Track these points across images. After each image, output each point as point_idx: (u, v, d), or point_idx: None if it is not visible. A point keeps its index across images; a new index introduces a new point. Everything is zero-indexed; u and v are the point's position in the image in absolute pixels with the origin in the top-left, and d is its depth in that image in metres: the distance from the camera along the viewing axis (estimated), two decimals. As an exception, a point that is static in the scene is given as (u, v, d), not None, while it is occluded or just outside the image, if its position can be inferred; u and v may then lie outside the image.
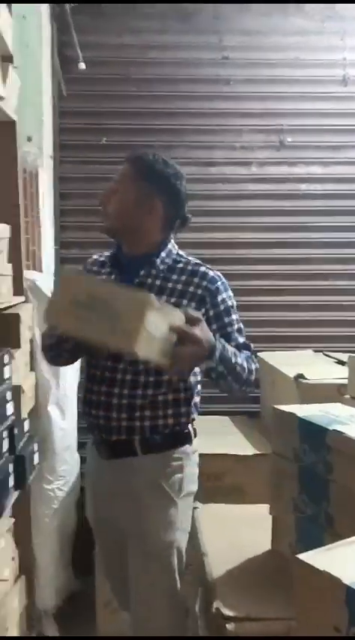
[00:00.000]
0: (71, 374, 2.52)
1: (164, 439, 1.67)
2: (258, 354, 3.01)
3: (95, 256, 1.86)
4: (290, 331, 3.28)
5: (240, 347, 1.66)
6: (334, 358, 2.90)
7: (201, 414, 3.11)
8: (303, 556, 1.04)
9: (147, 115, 3.19)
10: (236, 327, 1.69)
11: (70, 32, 3.03)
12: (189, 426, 1.73)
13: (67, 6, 3.00)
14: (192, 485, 1.75)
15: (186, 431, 1.72)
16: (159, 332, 1.36)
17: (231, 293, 1.73)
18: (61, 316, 1.44)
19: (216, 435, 2.84)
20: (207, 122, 3.23)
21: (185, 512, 1.72)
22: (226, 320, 1.67)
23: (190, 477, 1.74)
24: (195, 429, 1.76)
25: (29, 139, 2.78)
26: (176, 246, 1.77)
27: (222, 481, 2.48)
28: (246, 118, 3.23)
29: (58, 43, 3.06)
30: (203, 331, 1.47)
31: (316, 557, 1.03)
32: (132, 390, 1.64)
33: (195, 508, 1.93)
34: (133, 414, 1.64)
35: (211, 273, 1.70)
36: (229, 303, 1.70)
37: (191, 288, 1.67)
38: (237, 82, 3.21)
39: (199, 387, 1.76)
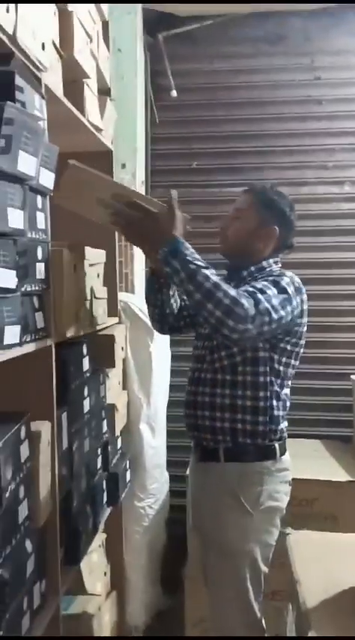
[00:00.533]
0: (162, 393, 2.57)
1: (247, 450, 1.72)
2: (352, 376, 2.97)
3: None
4: (385, 353, 3.18)
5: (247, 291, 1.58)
6: None
7: (291, 436, 3.08)
8: None
9: (237, 137, 3.22)
10: (259, 286, 1.62)
11: (162, 61, 3.14)
12: (275, 441, 1.75)
13: (160, 36, 3.11)
14: (273, 502, 1.75)
15: (271, 445, 1.73)
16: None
17: (284, 283, 1.66)
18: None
19: (307, 459, 2.78)
20: (298, 142, 3.21)
21: (263, 526, 1.74)
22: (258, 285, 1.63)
23: (272, 492, 1.74)
24: (282, 446, 1.78)
25: (123, 167, 2.89)
26: (274, 266, 1.84)
27: (312, 507, 2.43)
28: (338, 137, 3.19)
29: (151, 73, 3.16)
30: (166, 218, 1.67)
31: None
32: (213, 388, 1.74)
33: (287, 534, 1.92)
34: (214, 414, 1.74)
35: (283, 274, 1.74)
36: (275, 281, 1.66)
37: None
38: (329, 101, 3.18)
39: (282, 403, 1.76)
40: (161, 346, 2.51)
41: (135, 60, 2.89)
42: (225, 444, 1.73)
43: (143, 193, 2.57)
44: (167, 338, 2.64)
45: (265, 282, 1.65)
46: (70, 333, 1.62)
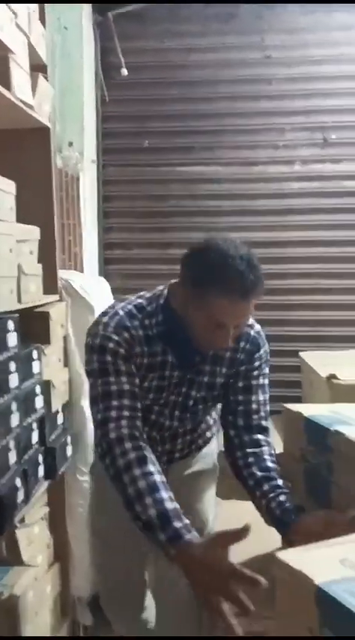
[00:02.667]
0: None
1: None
2: (300, 353, 3.02)
3: (128, 333, 1.46)
4: (335, 330, 3.24)
5: (265, 430, 1.59)
6: (378, 358, 2.83)
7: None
8: (282, 554, 1.04)
9: (189, 117, 3.23)
10: (261, 382, 1.62)
11: (112, 39, 3.13)
12: None
13: (110, 14, 3.10)
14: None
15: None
16: None
17: (268, 349, 1.63)
18: None
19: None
20: (249, 122, 3.24)
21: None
22: (255, 373, 1.60)
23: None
24: None
25: (70, 145, 2.89)
26: None
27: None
28: (289, 116, 3.22)
29: (101, 51, 3.16)
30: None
31: (294, 556, 1.03)
32: (192, 434, 1.73)
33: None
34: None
35: (253, 333, 1.59)
36: (265, 357, 1.61)
37: (236, 354, 1.58)
38: (280, 80, 3.20)
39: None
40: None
41: (82, 38, 2.88)
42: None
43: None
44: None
45: (263, 359, 1.60)
46: (-12, 308, 1.64)
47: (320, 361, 2.78)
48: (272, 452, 1.57)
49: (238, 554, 1.40)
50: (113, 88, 3.20)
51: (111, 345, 1.43)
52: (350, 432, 1.37)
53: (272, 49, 3.18)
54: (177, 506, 1.28)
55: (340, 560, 0.98)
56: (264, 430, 1.59)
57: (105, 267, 3.27)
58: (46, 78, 2.25)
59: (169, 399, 1.59)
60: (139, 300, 1.53)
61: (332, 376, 2.43)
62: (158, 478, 1.31)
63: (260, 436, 1.57)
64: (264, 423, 1.60)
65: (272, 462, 1.53)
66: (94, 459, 1.83)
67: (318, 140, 3.21)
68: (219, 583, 1.15)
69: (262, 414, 1.60)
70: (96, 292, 2.59)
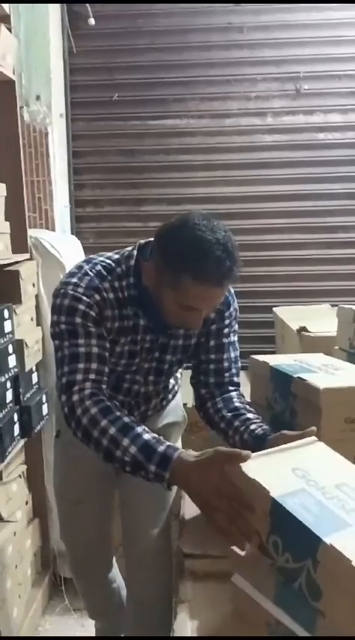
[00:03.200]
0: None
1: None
2: (273, 308, 3.04)
3: (99, 295, 1.42)
4: (309, 285, 3.25)
5: (233, 384, 1.61)
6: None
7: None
8: (244, 466, 1.07)
9: (159, 68, 3.15)
10: (233, 339, 1.62)
11: (78, -13, 3.01)
12: None
13: None
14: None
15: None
16: None
17: (236, 306, 1.62)
18: None
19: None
20: (220, 72, 3.16)
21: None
22: (225, 330, 1.59)
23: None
24: None
25: (38, 98, 2.82)
26: None
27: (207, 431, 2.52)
28: (260, 66, 3.14)
29: None
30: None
31: (251, 466, 1.07)
32: (165, 392, 1.74)
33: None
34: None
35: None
36: (234, 314, 1.61)
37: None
38: (251, 29, 3.12)
39: None
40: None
41: (46, -15, 2.77)
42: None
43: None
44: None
45: (232, 318, 1.59)
46: None
47: (293, 316, 2.81)
48: (241, 395, 1.59)
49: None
50: (80, 38, 3.09)
51: (81, 306, 1.38)
52: (312, 378, 1.41)
53: (243, -3, 3.09)
54: (155, 435, 1.29)
55: (292, 469, 1.05)
56: (235, 385, 1.61)
57: (77, 225, 3.22)
58: (9, 29, 2.18)
59: (142, 365, 1.56)
60: (108, 261, 1.47)
61: (303, 329, 2.46)
62: (126, 419, 1.31)
63: (231, 388, 1.60)
64: (235, 379, 1.62)
65: (241, 402, 1.55)
66: (57, 425, 1.83)
67: (291, 91, 3.15)
68: (220, 501, 1.11)
69: (233, 370, 1.61)
70: (68, 251, 2.57)
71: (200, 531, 1.45)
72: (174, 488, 1.69)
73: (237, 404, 1.54)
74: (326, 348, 2.17)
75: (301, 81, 3.14)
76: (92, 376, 1.37)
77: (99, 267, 1.45)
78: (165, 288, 1.36)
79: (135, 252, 1.48)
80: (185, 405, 1.93)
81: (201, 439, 2.50)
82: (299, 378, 1.42)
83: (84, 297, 1.39)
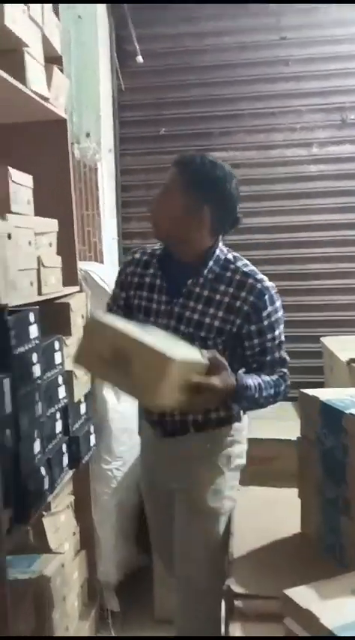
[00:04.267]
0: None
1: (215, 420, 1.76)
2: (321, 338, 3.00)
3: (137, 255, 1.82)
4: (357, 315, 3.20)
5: (275, 363, 1.69)
6: None
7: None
8: (291, 592, 1.06)
9: (205, 102, 3.20)
10: (276, 342, 1.70)
11: (127, 27, 3.11)
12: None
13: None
14: (240, 460, 1.85)
15: (237, 412, 1.80)
16: (178, 385, 1.40)
17: (277, 305, 1.69)
18: (89, 362, 1.53)
19: (274, 420, 2.83)
20: (266, 105, 3.19)
21: (232, 483, 1.81)
22: (268, 335, 1.67)
23: (239, 452, 1.84)
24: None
25: (88, 135, 2.90)
26: (224, 250, 1.73)
27: (272, 465, 2.49)
28: (306, 97, 3.16)
29: (116, 39, 3.14)
30: (222, 379, 1.50)
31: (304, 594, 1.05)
32: None
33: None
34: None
35: (259, 285, 1.66)
36: (273, 318, 1.67)
37: (238, 303, 1.65)
38: (296, 61, 3.15)
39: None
40: (123, 313, 2.55)
41: (96, 26, 2.87)
42: (194, 417, 1.75)
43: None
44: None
45: (271, 326, 1.67)
46: (8, 301, 1.66)
47: (342, 346, 2.77)
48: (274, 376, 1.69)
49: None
50: (129, 76, 3.19)
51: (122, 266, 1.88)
52: (363, 414, 1.38)
53: (288, 30, 3.13)
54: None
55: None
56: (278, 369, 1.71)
57: (125, 256, 3.28)
58: (61, 69, 2.26)
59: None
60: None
61: (353, 360, 2.41)
62: None
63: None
64: (278, 369, 1.70)
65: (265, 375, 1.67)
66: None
67: (336, 121, 3.15)
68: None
69: (277, 366, 1.70)
70: (116, 282, 2.60)
71: (250, 570, 1.44)
72: (222, 522, 1.71)
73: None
74: (378, 380, 2.13)
75: (347, 111, 3.14)
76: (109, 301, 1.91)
77: (149, 250, 1.84)
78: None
79: None
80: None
81: (248, 473, 2.47)
82: (351, 414, 1.40)
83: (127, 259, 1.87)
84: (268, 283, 1.68)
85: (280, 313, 1.70)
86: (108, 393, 2.52)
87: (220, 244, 1.73)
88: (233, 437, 1.80)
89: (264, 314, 1.65)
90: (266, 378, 1.65)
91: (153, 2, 3.08)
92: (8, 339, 1.69)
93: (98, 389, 2.51)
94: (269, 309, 1.66)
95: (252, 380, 1.60)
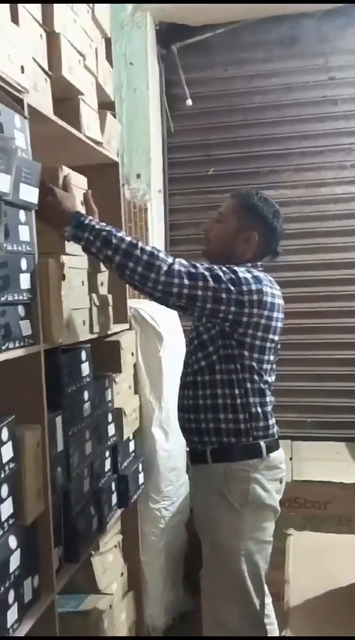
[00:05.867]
0: (173, 398, 2.60)
1: (232, 449, 1.76)
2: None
3: None
4: None
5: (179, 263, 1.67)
6: None
7: (314, 439, 3.07)
8: None
9: (253, 142, 3.25)
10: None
11: (177, 71, 3.20)
12: (260, 439, 1.76)
13: (174, 46, 3.17)
14: (262, 499, 1.77)
15: (256, 444, 1.76)
16: None
17: (243, 276, 1.71)
18: None
19: (327, 462, 2.78)
20: (314, 144, 3.21)
21: (253, 523, 1.76)
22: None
23: (260, 490, 1.76)
24: (270, 444, 1.79)
25: (138, 176, 2.97)
26: (255, 270, 1.80)
27: (326, 510, 2.41)
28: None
29: (166, 83, 3.23)
30: (67, 197, 1.68)
31: None
32: (195, 390, 1.81)
33: (288, 535, 1.92)
34: (199, 415, 1.81)
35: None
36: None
37: None
38: (345, 101, 3.17)
39: (260, 399, 1.78)
40: (171, 350, 2.55)
41: (147, 72, 2.96)
42: (211, 445, 1.78)
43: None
44: (178, 342, 2.67)
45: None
46: (62, 340, 1.69)
47: None
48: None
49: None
50: (178, 118, 3.27)
51: None
52: None
53: (337, 70, 3.16)
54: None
55: None
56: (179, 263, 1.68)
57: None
58: (113, 115, 2.33)
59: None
60: None
61: None
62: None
63: None
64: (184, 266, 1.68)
65: None
66: None
67: (386, 158, 3.14)
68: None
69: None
70: (165, 320, 2.62)
71: (308, 621, 1.38)
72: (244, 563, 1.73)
73: None
74: None
75: None
76: None
77: None
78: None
79: None
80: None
81: (301, 516, 2.40)
82: None
83: None
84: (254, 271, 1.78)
85: (229, 274, 1.68)
86: (157, 431, 2.51)
87: (250, 265, 1.84)
88: (248, 473, 1.75)
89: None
90: (127, 237, 1.66)
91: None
92: (61, 378, 1.71)
93: (147, 427, 2.50)
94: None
95: (96, 223, 1.66)
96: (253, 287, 1.69)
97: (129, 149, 2.94)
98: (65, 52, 1.79)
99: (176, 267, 1.62)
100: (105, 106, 2.30)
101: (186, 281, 1.61)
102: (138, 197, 2.95)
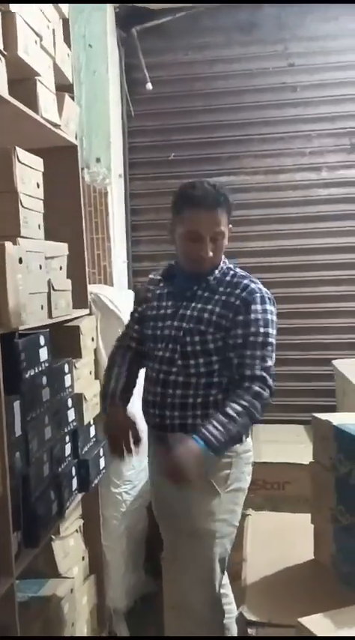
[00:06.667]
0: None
1: None
2: (333, 361, 2.98)
3: (151, 275, 2.03)
4: (369, 338, 3.19)
5: (254, 362, 1.68)
6: None
7: (276, 422, 3.10)
8: (306, 620, 1.04)
9: (214, 127, 3.24)
10: (260, 339, 1.71)
11: (137, 55, 3.16)
12: None
13: (134, 30, 3.14)
14: (239, 483, 1.82)
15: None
16: None
17: (271, 308, 1.76)
18: None
19: (286, 444, 2.82)
20: (274, 130, 3.23)
21: (229, 505, 1.80)
22: (252, 329, 1.71)
23: (238, 474, 1.82)
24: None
25: (98, 161, 2.94)
26: (226, 261, 1.86)
27: (285, 490, 2.46)
28: (314, 123, 3.20)
29: (125, 67, 3.20)
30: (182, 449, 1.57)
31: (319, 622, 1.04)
32: (186, 390, 1.77)
33: (247, 515, 1.96)
34: (186, 413, 1.78)
35: (253, 285, 1.78)
36: (261, 315, 1.72)
37: (231, 299, 1.77)
38: (304, 87, 3.19)
39: None
40: (133, 336, 2.55)
41: (107, 55, 2.93)
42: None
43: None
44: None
45: (257, 321, 1.71)
46: (18, 325, 1.67)
47: (354, 369, 2.75)
48: (247, 389, 1.66)
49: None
50: (138, 102, 3.24)
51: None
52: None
53: (296, 57, 3.18)
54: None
55: None
56: (254, 379, 1.67)
57: (134, 279, 3.29)
58: (72, 97, 2.30)
59: (164, 332, 1.82)
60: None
61: (365, 384, 2.40)
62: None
63: (246, 384, 1.67)
64: (257, 372, 1.68)
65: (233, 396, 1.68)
66: None
67: (345, 146, 3.18)
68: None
69: (257, 366, 1.68)
70: (126, 305, 2.61)
71: (264, 597, 1.41)
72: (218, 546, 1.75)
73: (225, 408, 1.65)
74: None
75: (355, 136, 3.17)
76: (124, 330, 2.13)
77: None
78: (177, 233, 1.77)
79: None
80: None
81: (260, 497, 2.45)
82: (364, 438, 1.38)
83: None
84: (263, 287, 1.79)
85: (270, 316, 1.75)
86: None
87: (225, 259, 1.86)
88: (231, 458, 1.79)
89: (253, 308, 1.72)
90: (231, 412, 1.62)
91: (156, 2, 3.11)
92: (19, 363, 1.70)
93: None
94: (259, 307, 1.73)
95: (212, 428, 1.60)
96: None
97: (89, 133, 2.90)
98: (21, 32, 1.76)
99: (264, 389, 1.68)
100: (64, 88, 2.27)
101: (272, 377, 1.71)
102: (98, 181, 2.93)
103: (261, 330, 1.71)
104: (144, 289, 2.00)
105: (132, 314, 2.03)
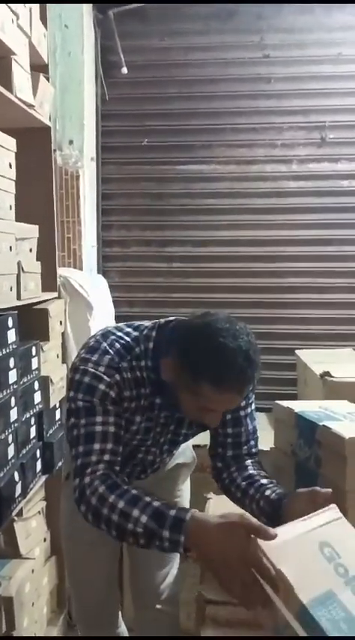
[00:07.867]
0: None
1: None
2: (296, 351, 3.04)
3: (121, 374, 1.40)
4: (331, 329, 3.26)
5: (251, 455, 1.58)
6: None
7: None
8: (266, 547, 1.07)
9: (188, 115, 3.25)
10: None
11: (113, 38, 3.14)
12: None
13: (111, 12, 3.11)
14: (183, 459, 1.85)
15: None
16: None
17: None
18: None
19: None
20: (247, 121, 3.25)
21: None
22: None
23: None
24: None
25: (71, 143, 2.92)
26: None
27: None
28: (287, 115, 3.23)
29: (101, 49, 3.17)
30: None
31: (275, 551, 1.07)
32: (169, 454, 1.71)
33: (208, 499, 2.00)
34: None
35: None
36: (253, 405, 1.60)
37: None
38: (278, 79, 3.22)
39: None
40: (101, 319, 2.57)
41: (83, 36, 2.90)
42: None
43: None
44: (108, 312, 2.69)
45: (251, 408, 1.58)
46: (-13, 306, 1.67)
47: (316, 359, 2.81)
48: (257, 463, 1.56)
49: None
50: (113, 86, 3.22)
51: (101, 386, 1.35)
52: (337, 427, 1.41)
53: (271, 49, 3.20)
54: (165, 500, 1.25)
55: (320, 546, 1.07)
56: (253, 455, 1.58)
57: (104, 264, 3.29)
58: (47, 78, 2.28)
59: (158, 439, 1.55)
60: (127, 339, 1.44)
61: (326, 374, 2.46)
62: (134, 491, 1.25)
63: (247, 458, 1.56)
64: (253, 450, 1.58)
65: (255, 469, 1.52)
66: (66, 468, 1.75)
67: (316, 139, 3.23)
68: (243, 569, 1.07)
69: (251, 442, 1.58)
70: (95, 289, 2.62)
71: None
72: None
73: (251, 471, 1.51)
74: (349, 393, 2.17)
75: (326, 130, 3.21)
76: (106, 457, 1.33)
77: (118, 346, 1.41)
78: (185, 389, 1.34)
79: (153, 334, 1.44)
80: (198, 446, 1.92)
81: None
82: (324, 426, 1.43)
83: (104, 377, 1.35)
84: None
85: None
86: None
87: None
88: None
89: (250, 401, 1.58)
90: None
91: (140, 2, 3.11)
92: (-14, 343, 1.70)
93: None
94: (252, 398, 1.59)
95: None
96: None
97: (62, 114, 2.88)
98: (-3, 9, 1.74)
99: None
100: (39, 68, 2.25)
101: None
102: (71, 164, 2.91)
103: (251, 399, 1.58)
104: (120, 390, 1.40)
105: (108, 417, 1.37)
